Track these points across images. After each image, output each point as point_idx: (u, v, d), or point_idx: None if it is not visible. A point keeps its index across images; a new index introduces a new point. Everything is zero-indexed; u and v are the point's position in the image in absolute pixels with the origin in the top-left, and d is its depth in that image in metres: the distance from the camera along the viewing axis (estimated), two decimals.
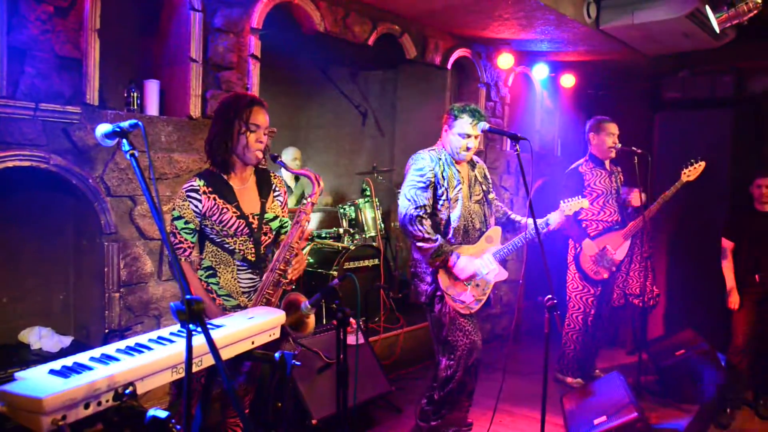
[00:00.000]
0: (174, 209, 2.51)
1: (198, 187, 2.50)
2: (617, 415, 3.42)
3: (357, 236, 5.42)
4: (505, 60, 6.02)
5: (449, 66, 5.70)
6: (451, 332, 3.40)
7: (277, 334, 2.15)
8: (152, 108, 3.75)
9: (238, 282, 2.58)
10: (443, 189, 3.35)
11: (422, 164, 3.36)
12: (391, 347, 4.81)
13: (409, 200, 3.32)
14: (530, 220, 3.61)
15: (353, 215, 5.51)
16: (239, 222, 2.52)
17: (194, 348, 1.55)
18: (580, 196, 3.77)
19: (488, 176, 3.68)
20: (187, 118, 3.76)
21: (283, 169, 2.84)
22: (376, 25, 4.90)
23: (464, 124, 3.34)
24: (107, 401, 1.50)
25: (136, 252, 3.57)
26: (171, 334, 1.86)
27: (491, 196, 3.62)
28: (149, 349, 1.72)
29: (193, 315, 1.45)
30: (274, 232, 2.67)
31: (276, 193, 2.70)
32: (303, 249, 2.66)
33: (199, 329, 1.48)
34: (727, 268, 4.55)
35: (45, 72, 3.20)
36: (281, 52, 4.77)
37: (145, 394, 1.68)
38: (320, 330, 3.94)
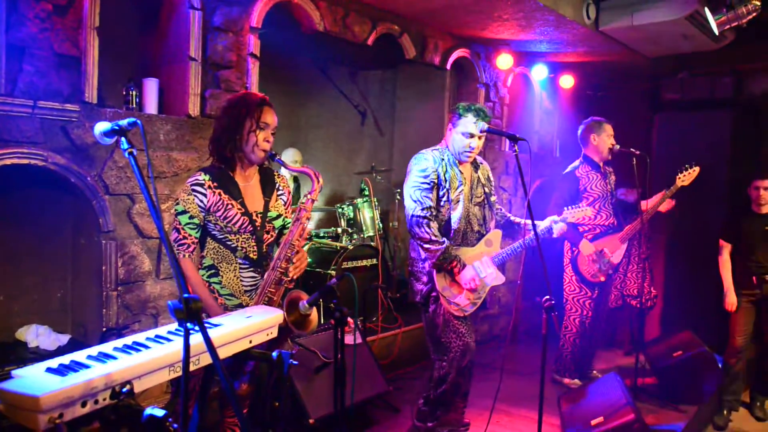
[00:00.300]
0: (178, 203, 2.49)
1: (203, 182, 2.49)
2: (614, 417, 3.42)
3: (355, 236, 5.42)
4: (504, 60, 6.02)
5: (448, 66, 5.70)
6: (445, 333, 3.39)
7: (274, 333, 2.15)
8: (151, 107, 3.75)
9: (240, 280, 2.58)
10: (444, 190, 3.34)
11: (425, 165, 3.34)
12: (389, 347, 4.81)
13: (415, 202, 3.30)
14: (529, 222, 3.64)
15: (351, 215, 5.51)
16: (243, 219, 2.52)
17: (192, 347, 1.55)
18: (583, 204, 3.79)
19: (491, 178, 3.65)
20: (186, 117, 3.76)
21: (282, 168, 2.84)
22: (376, 25, 4.90)
23: (468, 123, 3.31)
24: (104, 400, 1.49)
25: (134, 250, 3.57)
26: (169, 332, 1.86)
27: (493, 198, 3.59)
28: (147, 347, 1.72)
29: (191, 314, 1.45)
30: (276, 231, 2.67)
31: (279, 192, 2.70)
32: (302, 247, 2.66)
33: (196, 328, 1.48)
34: (725, 269, 4.56)
35: (43, 70, 3.20)
36: (281, 51, 4.76)
37: (142, 392, 1.68)
38: (318, 329, 3.94)
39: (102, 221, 3.40)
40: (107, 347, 1.70)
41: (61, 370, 1.51)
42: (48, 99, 3.16)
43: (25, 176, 3.23)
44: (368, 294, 4.93)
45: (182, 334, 1.48)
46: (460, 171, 3.42)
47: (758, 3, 4.60)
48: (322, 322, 4.52)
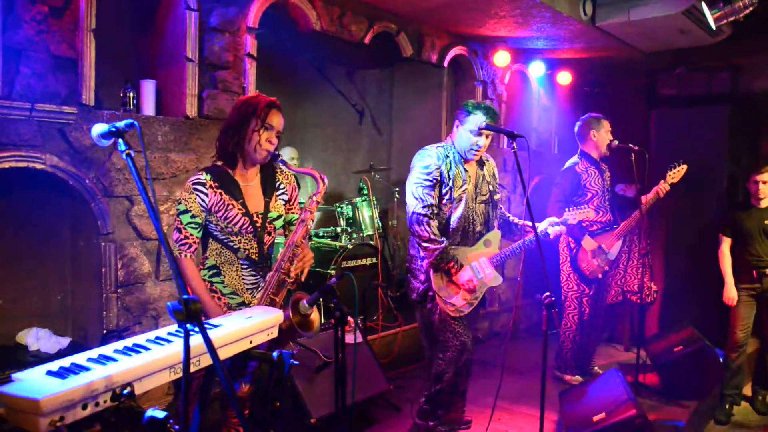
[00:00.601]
0: (180, 203, 2.49)
1: (205, 181, 2.49)
2: (616, 412, 3.42)
3: (355, 235, 5.42)
4: (501, 58, 6.02)
5: (446, 64, 5.70)
6: (441, 332, 3.38)
7: (275, 333, 2.15)
8: (148, 108, 3.75)
9: (243, 279, 2.58)
10: (447, 188, 3.30)
11: (429, 161, 3.30)
12: (389, 345, 4.81)
13: (416, 199, 3.27)
14: (528, 223, 3.65)
15: (351, 214, 5.51)
16: (244, 219, 2.52)
17: (192, 348, 1.55)
18: (585, 206, 3.80)
19: (497, 175, 3.61)
20: (184, 118, 3.76)
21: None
22: (373, 24, 4.90)
23: (477, 121, 3.27)
24: (105, 402, 1.49)
25: (134, 252, 3.57)
26: (169, 334, 1.85)
27: (497, 197, 3.55)
28: (147, 349, 1.71)
29: (190, 315, 1.44)
30: (277, 232, 2.67)
31: (279, 192, 2.69)
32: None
33: (196, 329, 1.48)
34: (725, 264, 4.56)
35: (40, 72, 3.20)
36: (278, 51, 4.76)
37: (143, 394, 1.68)
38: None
39: (101, 223, 3.40)
40: (107, 349, 1.70)
41: (62, 373, 1.51)
42: (45, 101, 3.16)
43: (23, 179, 3.23)
44: (368, 293, 4.93)
45: (182, 335, 1.48)
46: (465, 169, 3.37)
47: None
48: (322, 321, 4.52)
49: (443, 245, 3.22)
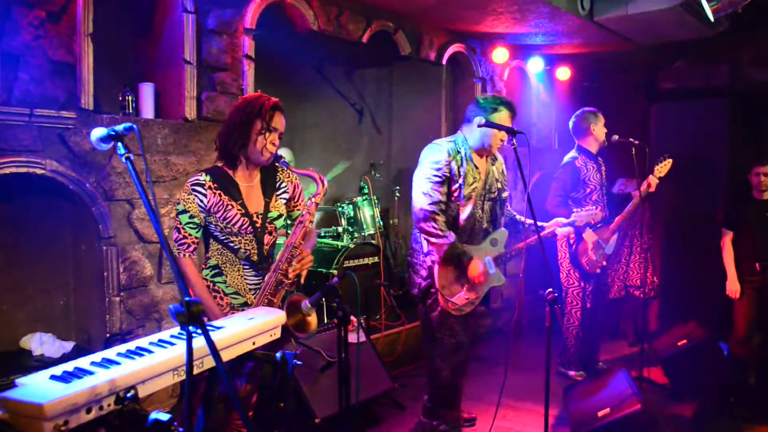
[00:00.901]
0: (179, 203, 2.50)
1: (203, 182, 2.50)
2: (621, 408, 3.42)
3: (356, 234, 5.42)
4: (499, 54, 6.01)
5: (444, 62, 5.69)
6: (439, 329, 3.37)
7: (277, 334, 2.15)
8: (147, 111, 3.75)
9: (245, 280, 2.58)
10: (457, 185, 3.25)
11: (439, 156, 3.24)
12: (392, 344, 4.81)
13: (424, 194, 3.21)
14: (534, 222, 3.64)
15: (352, 213, 5.51)
16: (243, 220, 2.52)
17: (195, 350, 1.55)
18: (593, 207, 3.82)
19: (505, 172, 3.58)
20: (183, 121, 3.76)
21: None
22: (370, 23, 4.90)
23: (505, 118, 3.25)
24: (109, 405, 1.49)
25: (136, 255, 3.57)
26: (171, 336, 1.86)
27: (505, 194, 3.53)
28: (150, 352, 1.72)
29: (193, 317, 1.44)
30: (278, 231, 2.67)
31: (280, 191, 2.69)
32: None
33: (199, 331, 1.47)
34: (727, 257, 4.55)
35: (39, 77, 3.20)
36: (275, 51, 4.75)
37: (147, 397, 1.68)
38: (321, 329, 3.94)
39: (102, 227, 3.40)
40: (111, 353, 1.70)
41: (65, 377, 1.51)
42: (44, 107, 3.16)
43: (24, 184, 3.23)
44: (371, 292, 4.92)
45: (185, 337, 1.48)
46: (476, 166, 3.33)
47: None
48: (325, 321, 4.52)
49: (450, 240, 3.18)
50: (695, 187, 5.95)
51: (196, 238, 2.51)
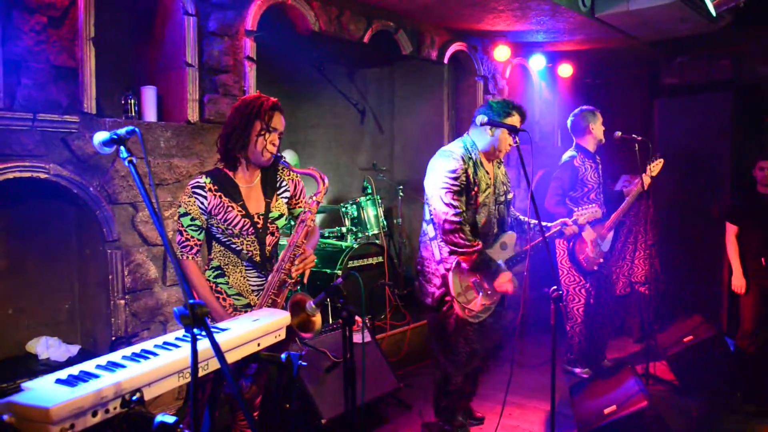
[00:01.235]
0: (180, 206, 2.52)
1: (204, 184, 2.51)
2: (627, 405, 3.41)
3: (360, 234, 5.42)
4: (501, 52, 6.00)
5: (446, 60, 5.69)
6: (454, 337, 3.33)
7: (282, 335, 2.15)
8: (150, 114, 3.75)
9: (248, 280, 2.59)
10: (473, 192, 3.21)
11: (455, 165, 3.17)
12: (398, 344, 4.81)
13: (447, 205, 3.13)
14: (539, 222, 3.65)
15: (355, 213, 5.51)
16: (244, 221, 2.52)
17: (200, 352, 1.55)
18: (594, 206, 3.84)
19: (508, 174, 3.57)
20: (186, 123, 3.76)
21: None
22: (371, 23, 4.90)
23: (516, 121, 3.21)
24: (115, 408, 1.49)
25: (140, 258, 3.58)
26: (176, 339, 1.86)
27: (510, 196, 3.52)
28: (155, 354, 1.72)
29: (197, 319, 1.44)
30: (280, 231, 2.67)
31: (280, 191, 2.69)
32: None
33: (203, 333, 1.48)
34: (732, 252, 4.53)
35: (41, 82, 3.21)
36: (277, 53, 4.76)
37: (153, 399, 1.68)
38: (326, 329, 3.94)
39: (106, 231, 3.41)
40: (116, 356, 1.70)
41: (71, 381, 1.51)
42: (47, 111, 3.17)
43: (28, 189, 3.24)
44: (375, 292, 4.92)
45: (190, 340, 1.48)
46: (486, 171, 3.31)
47: None
48: (330, 321, 4.52)
49: (479, 248, 3.13)
50: (699, 183, 5.93)
51: (199, 240, 2.52)
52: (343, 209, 5.58)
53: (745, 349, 4.49)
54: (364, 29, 4.85)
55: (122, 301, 3.48)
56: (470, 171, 3.21)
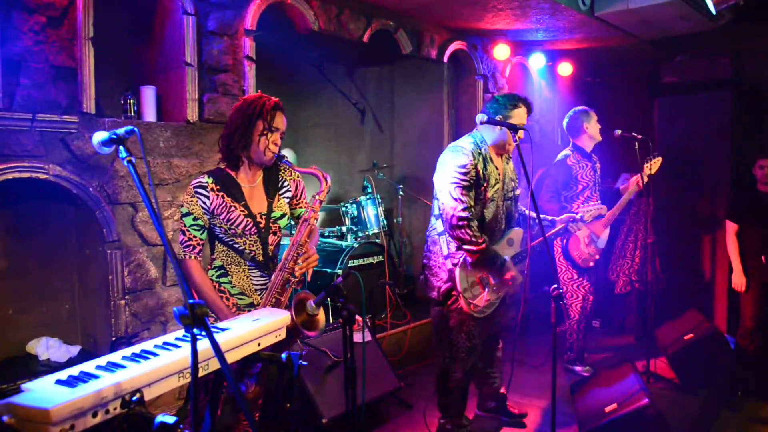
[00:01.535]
0: (182, 206, 2.52)
1: (206, 184, 2.51)
2: (628, 402, 3.41)
3: (360, 234, 5.42)
4: (501, 51, 6.00)
5: (445, 59, 5.68)
6: (455, 332, 3.34)
7: (283, 334, 2.15)
8: (149, 114, 3.75)
9: (251, 280, 2.59)
10: (482, 187, 3.22)
11: (464, 160, 3.18)
12: (398, 343, 4.81)
13: (456, 200, 3.15)
14: (543, 216, 3.73)
15: (356, 213, 5.51)
16: (247, 221, 2.52)
17: (200, 352, 1.54)
18: (598, 203, 3.85)
19: (527, 173, 3.57)
20: (185, 123, 3.76)
21: None
22: (371, 22, 4.89)
23: (522, 116, 3.23)
24: (115, 409, 1.49)
25: (140, 258, 3.57)
26: (176, 339, 1.85)
27: (518, 192, 3.53)
28: (155, 355, 1.71)
29: (196, 319, 1.44)
30: (283, 231, 2.67)
31: (282, 191, 2.69)
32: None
33: (203, 333, 1.47)
34: (732, 250, 4.53)
35: (40, 82, 3.20)
36: (277, 52, 4.75)
37: (154, 400, 1.68)
38: (327, 329, 3.94)
39: (106, 231, 3.40)
40: (116, 356, 1.70)
41: (71, 382, 1.51)
42: (46, 111, 3.17)
43: (27, 189, 3.24)
44: (376, 291, 4.92)
45: (189, 340, 1.48)
46: (496, 166, 3.32)
47: None
48: (330, 321, 4.52)
49: (485, 244, 3.15)
50: (699, 181, 5.92)
51: (201, 239, 2.52)
52: (344, 208, 5.58)
53: (745, 348, 4.49)
54: (363, 28, 4.85)
55: (122, 302, 3.48)
56: (480, 166, 3.22)
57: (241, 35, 4.01)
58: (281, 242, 2.72)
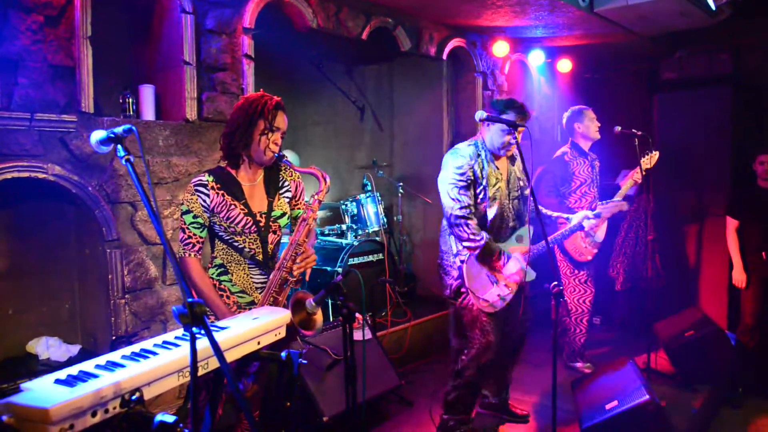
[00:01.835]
0: (182, 204, 2.52)
1: (206, 182, 2.51)
2: (629, 399, 3.41)
3: (360, 232, 5.42)
4: (500, 48, 5.99)
5: (444, 56, 5.67)
6: (470, 329, 3.40)
7: (282, 333, 2.14)
8: (148, 113, 3.74)
9: (251, 278, 2.59)
10: (481, 187, 3.31)
11: (461, 161, 3.29)
12: (399, 341, 4.81)
13: (453, 200, 3.27)
14: (555, 214, 3.81)
15: (355, 211, 5.50)
16: (246, 219, 2.52)
17: (200, 351, 1.54)
18: (618, 198, 3.86)
19: (526, 170, 3.61)
20: (184, 122, 3.75)
21: None
22: (369, 19, 4.88)
23: (510, 119, 3.25)
24: (114, 408, 1.49)
25: (140, 257, 3.57)
26: (176, 338, 1.85)
27: (527, 191, 3.55)
28: (154, 354, 1.71)
29: (196, 318, 1.44)
30: (283, 230, 2.67)
31: (283, 190, 2.69)
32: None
33: (203, 332, 1.47)
34: (733, 246, 4.53)
35: (39, 82, 3.20)
36: (275, 50, 4.75)
37: (153, 399, 1.68)
38: (327, 327, 3.94)
39: (105, 230, 3.40)
40: (115, 356, 1.70)
41: (70, 381, 1.51)
42: (45, 111, 3.16)
43: (26, 189, 3.23)
44: (376, 289, 4.92)
45: (189, 339, 1.47)
46: (497, 167, 3.38)
47: None
48: (331, 319, 4.52)
49: (484, 241, 3.23)
50: (700, 176, 5.92)
51: (201, 237, 2.52)
52: (343, 206, 5.58)
53: (746, 344, 4.49)
54: (362, 26, 4.84)
55: (122, 301, 3.47)
56: (477, 167, 3.30)
57: (239, 33, 4.00)
58: (281, 241, 2.72)
